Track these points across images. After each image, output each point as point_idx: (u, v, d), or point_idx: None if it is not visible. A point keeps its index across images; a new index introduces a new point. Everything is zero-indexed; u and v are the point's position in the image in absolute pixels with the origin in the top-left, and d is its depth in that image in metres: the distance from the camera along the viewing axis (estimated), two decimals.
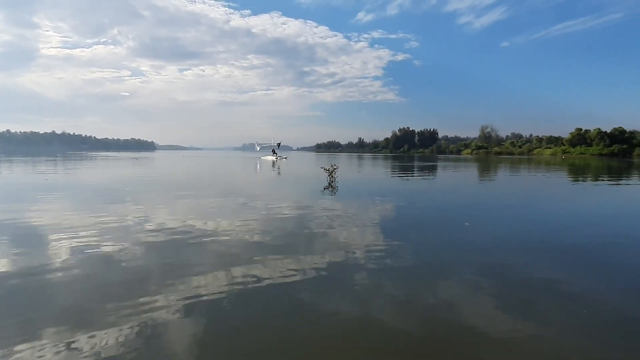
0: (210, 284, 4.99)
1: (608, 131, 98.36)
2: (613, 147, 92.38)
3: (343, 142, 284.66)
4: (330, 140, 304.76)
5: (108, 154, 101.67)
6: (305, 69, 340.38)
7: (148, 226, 8.42)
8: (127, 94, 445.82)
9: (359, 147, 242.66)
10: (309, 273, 5.46)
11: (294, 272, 5.44)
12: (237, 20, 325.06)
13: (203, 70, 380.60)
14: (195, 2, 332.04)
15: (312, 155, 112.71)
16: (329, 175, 19.99)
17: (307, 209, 11.15)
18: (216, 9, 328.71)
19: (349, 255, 6.41)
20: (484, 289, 4.96)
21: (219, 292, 4.69)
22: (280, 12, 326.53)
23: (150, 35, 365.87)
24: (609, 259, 6.49)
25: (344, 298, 4.63)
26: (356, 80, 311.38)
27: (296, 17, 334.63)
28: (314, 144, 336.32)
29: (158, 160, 56.66)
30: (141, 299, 4.45)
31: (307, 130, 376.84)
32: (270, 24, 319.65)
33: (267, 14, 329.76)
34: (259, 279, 5.16)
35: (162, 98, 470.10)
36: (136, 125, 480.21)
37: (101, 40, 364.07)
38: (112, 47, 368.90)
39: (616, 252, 6.96)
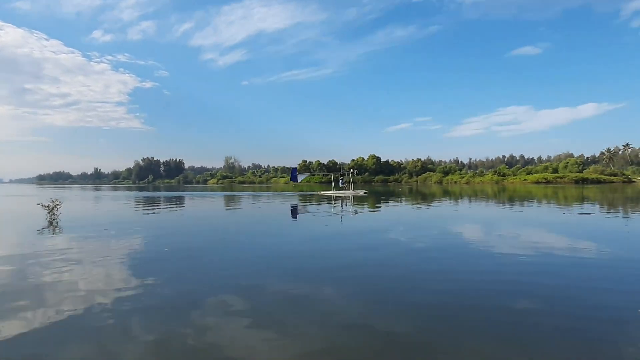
0: None
1: (325, 163, 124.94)
2: (329, 176, 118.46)
3: (75, 172, 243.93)
4: (58, 171, 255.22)
5: None
6: (28, 85, 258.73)
7: None
8: None
9: (96, 178, 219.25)
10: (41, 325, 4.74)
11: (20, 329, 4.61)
12: None
13: None
14: None
15: (33, 188, 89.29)
16: (49, 213, 16.33)
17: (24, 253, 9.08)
18: None
19: (80, 300, 5.63)
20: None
21: None
22: None
23: None
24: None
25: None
26: (95, 104, 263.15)
27: (18, 24, 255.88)
28: (36, 175, 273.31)
29: None
30: None
31: (27, 159, 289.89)
32: None
33: None
34: None
35: None
36: None
37: None
38: None
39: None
